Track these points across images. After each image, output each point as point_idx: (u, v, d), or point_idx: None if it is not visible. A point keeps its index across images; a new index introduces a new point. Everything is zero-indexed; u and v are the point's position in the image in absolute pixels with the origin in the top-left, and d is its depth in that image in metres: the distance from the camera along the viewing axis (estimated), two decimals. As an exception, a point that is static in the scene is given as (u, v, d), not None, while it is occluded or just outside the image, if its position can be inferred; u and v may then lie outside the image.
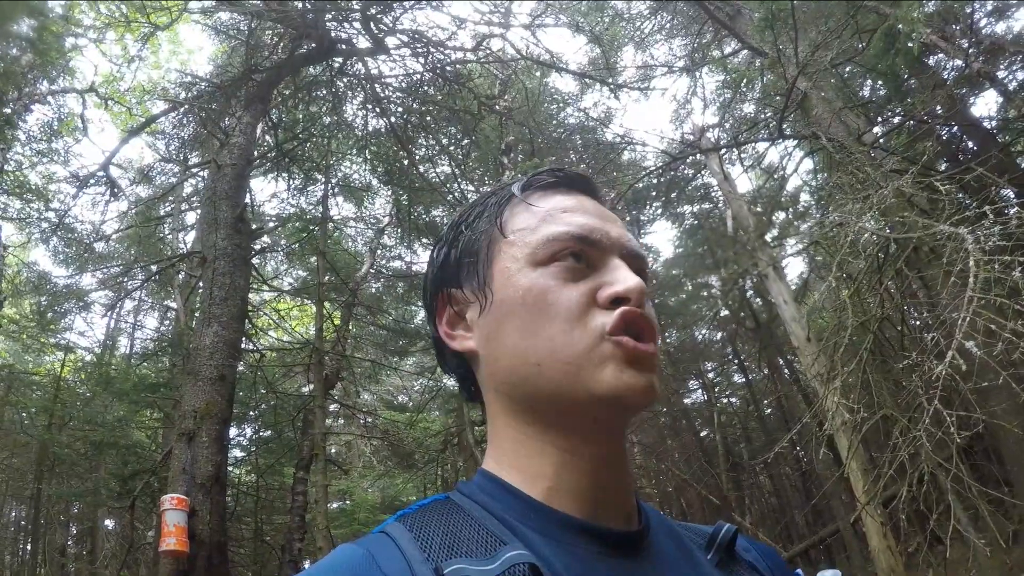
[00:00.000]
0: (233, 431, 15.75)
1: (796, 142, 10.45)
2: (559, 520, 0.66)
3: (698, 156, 11.76)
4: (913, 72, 9.69)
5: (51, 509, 18.61)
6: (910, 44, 7.89)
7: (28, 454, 16.52)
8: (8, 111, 9.47)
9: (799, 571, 0.85)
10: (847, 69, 10.02)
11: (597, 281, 0.70)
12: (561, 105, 12.99)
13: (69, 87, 13.57)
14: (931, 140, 7.34)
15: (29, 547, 19.48)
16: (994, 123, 10.54)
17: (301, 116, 10.51)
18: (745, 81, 11.45)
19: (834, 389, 7.02)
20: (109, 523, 17.55)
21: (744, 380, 18.34)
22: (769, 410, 17.64)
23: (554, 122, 12.96)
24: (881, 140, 8.22)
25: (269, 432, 13.96)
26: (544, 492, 0.68)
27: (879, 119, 9.93)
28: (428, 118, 10.40)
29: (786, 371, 17.03)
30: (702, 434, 19.07)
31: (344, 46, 9.59)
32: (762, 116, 12.14)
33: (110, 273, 13.54)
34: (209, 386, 7.01)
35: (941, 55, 10.01)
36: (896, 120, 9.29)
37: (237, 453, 14.89)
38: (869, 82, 10.84)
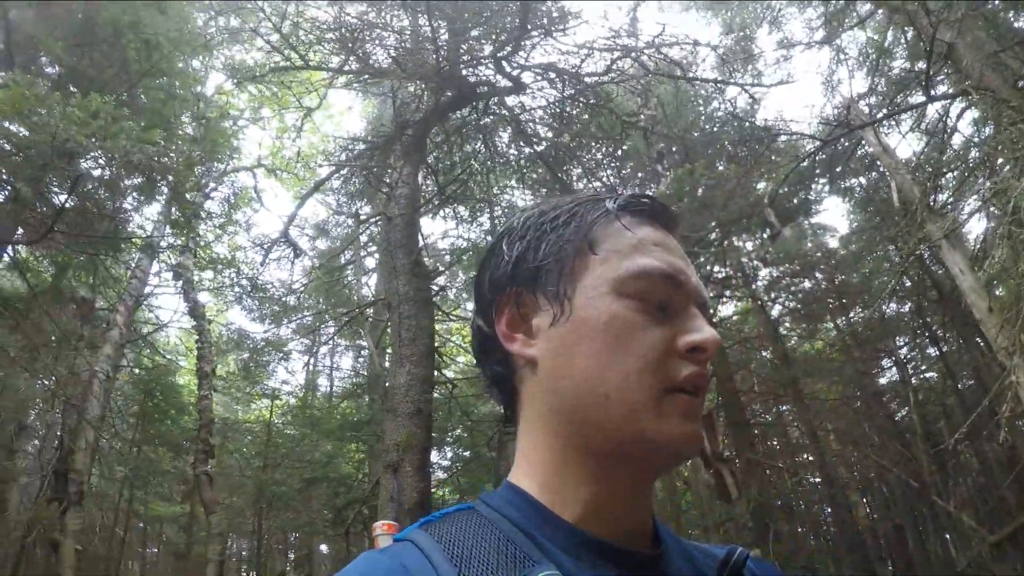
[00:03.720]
0: (435, 456, 16.76)
1: (949, 101, 9.81)
2: (588, 542, 0.66)
3: (850, 135, 11.30)
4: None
5: (270, 539, 20.44)
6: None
7: (246, 494, 18.28)
8: (192, 198, 10.64)
9: None
10: (994, 2, 9.25)
11: (677, 327, 0.69)
12: (706, 102, 12.90)
13: (240, 165, 15.07)
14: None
15: (254, 574, 21.51)
16: None
17: (457, 158, 11.10)
18: (888, 42, 10.91)
19: (1019, 365, 6.53)
20: (324, 548, 18.99)
21: (938, 353, 17.13)
22: (971, 382, 16.41)
23: (702, 118, 12.88)
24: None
25: (468, 453, 14.64)
26: (575, 515, 0.68)
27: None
28: (573, 143, 10.70)
29: (979, 340, 15.82)
30: (899, 415, 18.01)
31: (484, 87, 10.08)
32: (911, 74, 11.49)
33: (303, 323, 14.79)
34: (408, 420, 7.60)
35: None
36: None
37: (440, 475, 15.73)
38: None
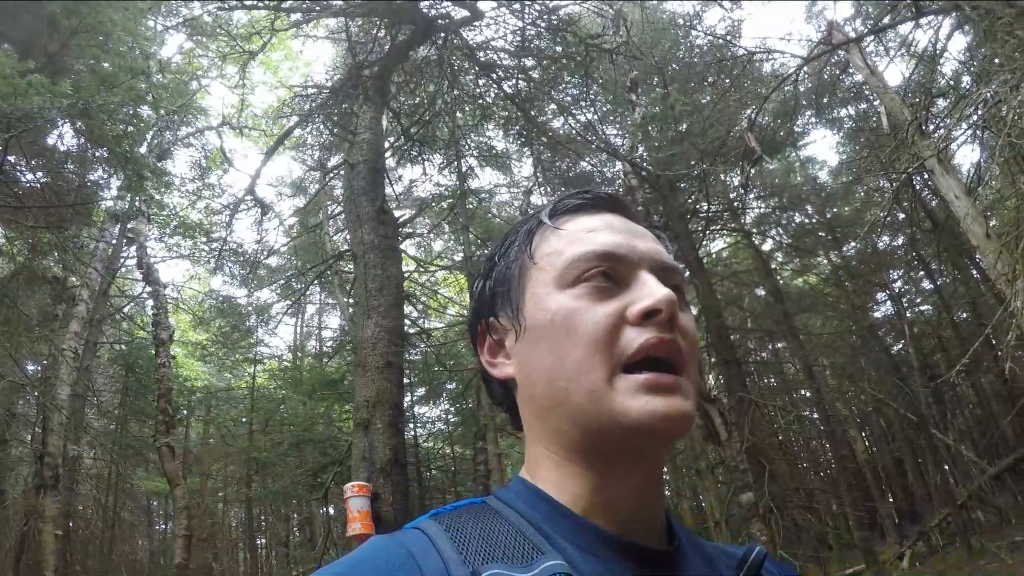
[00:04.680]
0: (424, 410, 16.58)
1: (940, 18, 9.38)
2: (596, 535, 0.66)
3: (839, 54, 10.79)
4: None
5: (269, 506, 20.41)
6: None
7: (241, 461, 18.18)
8: (142, 157, 10.26)
9: None
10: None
11: (626, 298, 0.69)
12: (684, 29, 12.37)
13: (206, 125, 14.56)
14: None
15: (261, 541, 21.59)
16: None
17: (420, 99, 10.62)
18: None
19: (1019, 291, 6.27)
20: (331, 510, 18.90)
21: (933, 285, 16.92)
22: (965, 314, 16.21)
23: (681, 47, 12.38)
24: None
25: (455, 406, 14.49)
26: (582, 509, 0.68)
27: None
28: (538, 74, 10.21)
29: (974, 272, 15.55)
30: (895, 348, 17.84)
31: (441, 21, 9.57)
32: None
33: (285, 284, 14.44)
34: (377, 375, 7.29)
35: None
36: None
37: (436, 427, 15.60)
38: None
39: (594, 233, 0.74)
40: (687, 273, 13.51)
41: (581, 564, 0.62)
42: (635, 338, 0.66)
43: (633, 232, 0.75)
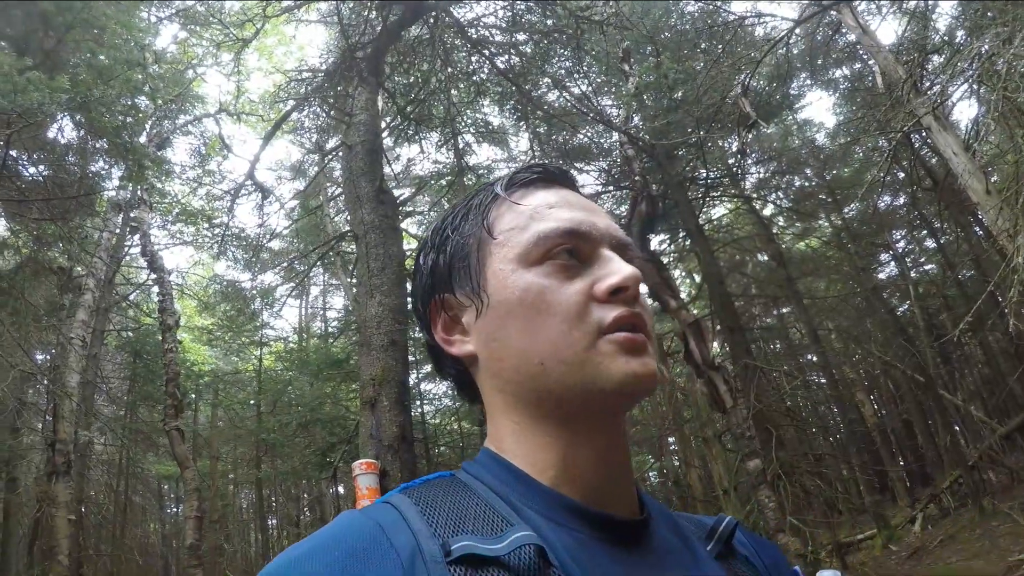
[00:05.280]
0: (430, 386, 16.71)
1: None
2: (564, 505, 0.67)
3: (830, 14, 10.69)
4: None
5: (280, 487, 20.66)
6: None
7: (250, 443, 18.38)
8: (142, 147, 10.31)
9: (797, 568, 0.83)
10: None
11: (592, 275, 0.71)
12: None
13: (204, 113, 14.56)
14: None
15: (273, 522, 21.85)
16: None
17: (414, 78, 10.60)
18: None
19: (1021, 247, 6.27)
20: (341, 489, 19.14)
21: (936, 244, 16.84)
22: (970, 272, 16.15)
23: (673, 15, 12.27)
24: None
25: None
26: (550, 479, 0.69)
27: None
28: (530, 49, 10.17)
29: (977, 228, 15.47)
30: (900, 309, 17.82)
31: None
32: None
33: (289, 267, 14.52)
34: (382, 353, 7.32)
35: None
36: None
37: (445, 402, 15.69)
38: None
39: (556, 209, 0.74)
40: (688, 241, 13.53)
41: (550, 535, 0.63)
42: (607, 313, 0.68)
43: (590, 209, 0.77)
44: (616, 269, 0.70)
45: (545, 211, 0.74)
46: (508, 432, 0.73)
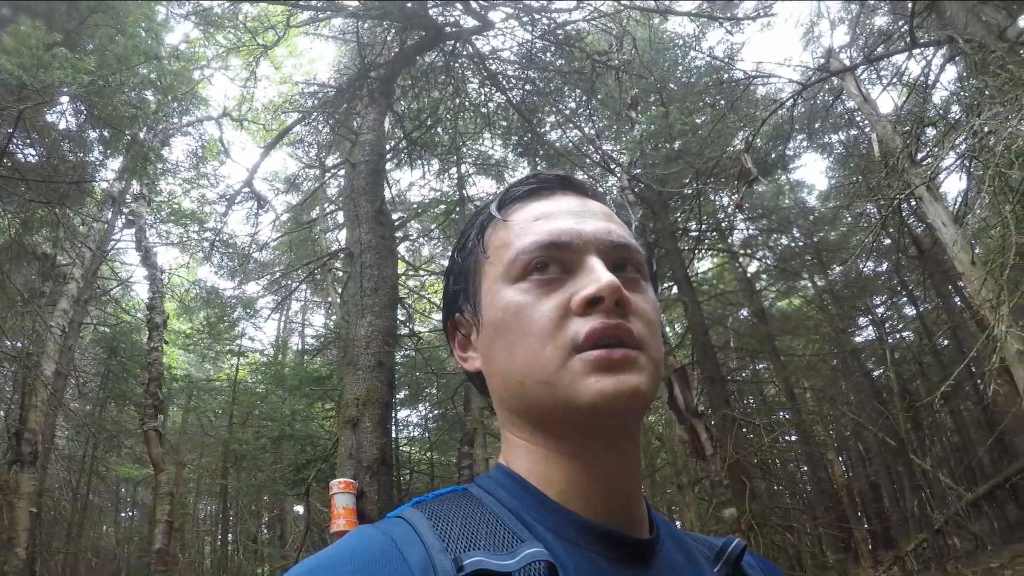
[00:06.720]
0: (405, 413, 16.55)
1: (933, 49, 9.58)
2: (574, 523, 0.67)
3: (833, 81, 10.98)
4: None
5: (241, 501, 20.26)
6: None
7: (217, 453, 18.03)
8: (146, 141, 10.28)
9: None
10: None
11: (572, 288, 0.69)
12: (684, 49, 12.56)
13: (206, 115, 14.55)
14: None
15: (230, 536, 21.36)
16: None
17: (424, 104, 10.69)
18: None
19: (1003, 316, 6.42)
20: (300, 509, 18.85)
21: (915, 312, 17.17)
22: (946, 342, 16.44)
23: (679, 68, 12.55)
24: (1028, 34, 7.38)
25: (438, 411, 14.47)
26: (559, 495, 0.69)
27: None
28: (543, 85, 10.32)
29: (957, 299, 15.81)
30: (875, 373, 18.06)
31: (451, 28, 9.66)
32: (895, 27, 11.28)
33: (273, 279, 14.42)
34: (368, 374, 7.28)
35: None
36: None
37: (415, 432, 15.46)
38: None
39: (541, 221, 0.73)
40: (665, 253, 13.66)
41: (560, 552, 0.62)
42: (581, 327, 0.66)
43: (583, 213, 0.75)
44: (594, 279, 0.67)
45: (529, 225, 0.73)
46: (515, 447, 0.74)
